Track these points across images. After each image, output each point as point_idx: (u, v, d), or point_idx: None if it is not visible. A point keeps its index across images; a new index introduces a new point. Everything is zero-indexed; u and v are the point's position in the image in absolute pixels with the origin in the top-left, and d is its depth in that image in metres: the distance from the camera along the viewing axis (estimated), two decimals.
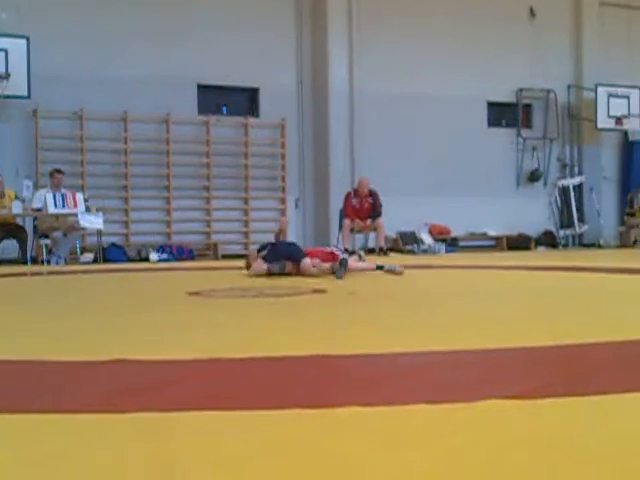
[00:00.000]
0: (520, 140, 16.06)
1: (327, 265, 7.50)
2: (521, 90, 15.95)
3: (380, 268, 7.68)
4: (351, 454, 1.62)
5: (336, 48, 14.18)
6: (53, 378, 2.55)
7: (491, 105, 15.84)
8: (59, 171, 11.70)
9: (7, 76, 11.81)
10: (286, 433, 1.79)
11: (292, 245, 7.93)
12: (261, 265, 7.52)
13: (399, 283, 7.21)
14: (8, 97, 11.96)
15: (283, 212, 13.97)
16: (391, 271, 7.61)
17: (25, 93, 11.99)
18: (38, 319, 4.39)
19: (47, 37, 12.28)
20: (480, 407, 2.01)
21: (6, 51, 11.85)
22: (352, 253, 11.87)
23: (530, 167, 16.19)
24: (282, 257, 7.51)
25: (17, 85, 11.87)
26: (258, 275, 7.44)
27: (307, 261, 7.45)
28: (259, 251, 7.82)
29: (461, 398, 2.10)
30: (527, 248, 15.17)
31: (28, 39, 11.93)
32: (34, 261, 11.25)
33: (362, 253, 8.32)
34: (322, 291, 5.88)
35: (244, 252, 12.48)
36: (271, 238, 8.48)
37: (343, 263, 7.28)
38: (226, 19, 13.57)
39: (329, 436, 1.76)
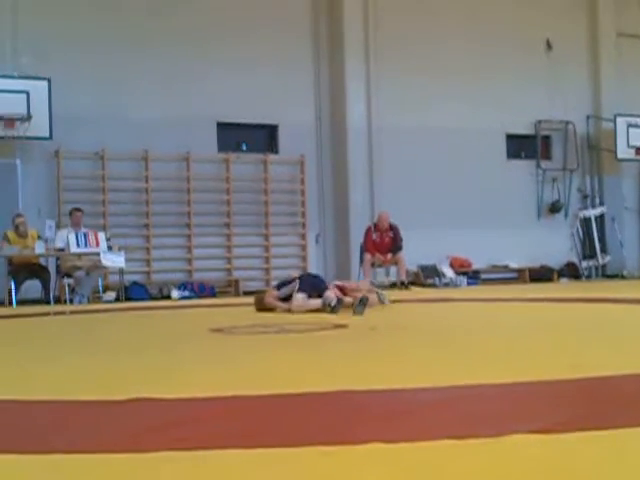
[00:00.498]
0: (540, 171, 16.03)
1: (318, 301, 7.42)
2: (540, 122, 15.95)
3: (361, 301, 7.14)
4: None
5: (354, 83, 14.28)
6: (77, 417, 2.56)
7: (510, 137, 15.84)
8: (78, 209, 11.82)
9: (29, 118, 11.98)
10: (307, 470, 1.79)
11: (317, 277, 8.06)
12: (305, 300, 7.43)
13: (421, 317, 7.19)
14: (30, 138, 12.13)
15: (304, 248, 14.00)
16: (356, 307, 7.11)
17: (47, 134, 12.16)
18: (60, 358, 4.40)
19: (68, 79, 12.47)
20: (504, 442, 1.99)
21: (28, 93, 12.04)
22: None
23: (551, 198, 16.14)
24: (312, 289, 7.57)
25: (39, 126, 12.04)
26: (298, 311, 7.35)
27: (328, 293, 7.47)
28: (278, 288, 7.86)
29: (485, 433, 2.09)
30: (550, 280, 15.07)
31: (49, 80, 12.12)
32: (57, 300, 11.32)
33: (379, 292, 8.14)
34: (343, 326, 5.86)
35: (265, 288, 12.53)
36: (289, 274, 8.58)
37: (364, 301, 7.21)
38: (244, 57, 13.73)
39: (350, 473, 1.75)
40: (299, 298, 7.49)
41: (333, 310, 7.09)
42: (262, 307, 7.81)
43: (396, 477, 1.72)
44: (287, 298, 7.64)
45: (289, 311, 7.44)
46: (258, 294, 8.17)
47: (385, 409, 2.55)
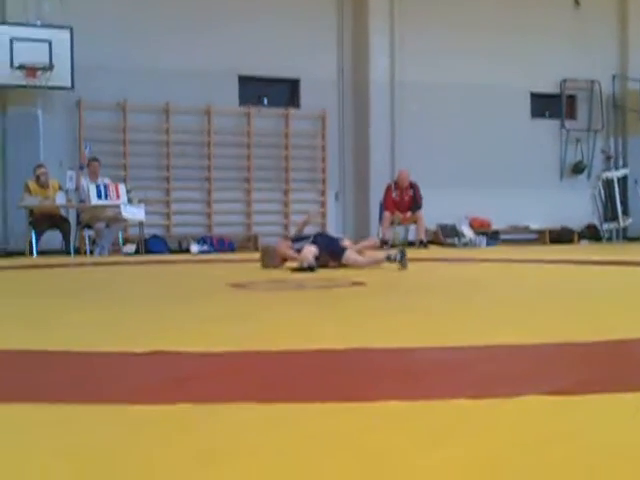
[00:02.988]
0: (564, 132, 15.87)
1: (365, 257, 7.55)
2: (565, 81, 15.75)
3: (389, 259, 7.47)
4: (389, 449, 1.62)
5: (377, 37, 14.13)
6: (97, 369, 2.59)
7: (534, 96, 15.67)
8: (95, 159, 11.84)
9: (51, 67, 11.97)
10: (322, 426, 1.80)
11: (335, 240, 7.92)
12: (310, 249, 7.46)
13: (439, 276, 7.19)
14: (52, 88, 12.12)
15: (323, 204, 13.99)
16: (399, 261, 7.37)
17: (68, 84, 12.15)
18: (80, 310, 4.46)
19: (90, 28, 12.41)
20: (521, 402, 2.00)
21: (50, 42, 12.01)
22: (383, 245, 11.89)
23: (574, 159, 16.00)
24: (325, 250, 7.53)
25: (61, 76, 12.03)
26: (300, 262, 7.38)
27: (350, 253, 7.49)
28: (293, 241, 7.82)
29: (501, 393, 2.10)
30: (570, 242, 15.01)
31: (72, 30, 12.07)
32: (77, 252, 11.42)
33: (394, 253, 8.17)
34: (361, 284, 5.88)
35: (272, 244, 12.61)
36: (309, 230, 8.54)
37: (404, 252, 7.32)
38: (266, 9, 13.60)
39: (366, 431, 1.77)
40: (308, 248, 7.44)
41: (310, 270, 7.13)
42: (269, 263, 7.70)
43: (412, 435, 1.74)
44: (300, 251, 7.61)
45: (295, 269, 7.37)
46: (266, 248, 8.04)
47: (402, 368, 2.56)
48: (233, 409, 1.97)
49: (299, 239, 7.82)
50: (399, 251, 7.36)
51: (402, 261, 7.21)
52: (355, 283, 5.94)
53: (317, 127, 14.07)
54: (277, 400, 2.05)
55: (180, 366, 2.60)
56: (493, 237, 14.48)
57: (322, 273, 7.01)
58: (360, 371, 2.51)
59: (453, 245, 13.66)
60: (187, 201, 13.27)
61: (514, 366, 2.57)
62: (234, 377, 2.43)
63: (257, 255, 8.21)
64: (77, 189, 11.55)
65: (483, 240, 13.95)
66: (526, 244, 14.61)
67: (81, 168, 11.76)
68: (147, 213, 11.72)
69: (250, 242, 13.38)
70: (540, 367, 2.57)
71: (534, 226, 15.16)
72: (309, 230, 8.69)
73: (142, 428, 1.81)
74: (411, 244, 12.77)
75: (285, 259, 7.70)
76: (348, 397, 2.08)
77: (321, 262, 7.46)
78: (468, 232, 14.07)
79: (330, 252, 7.53)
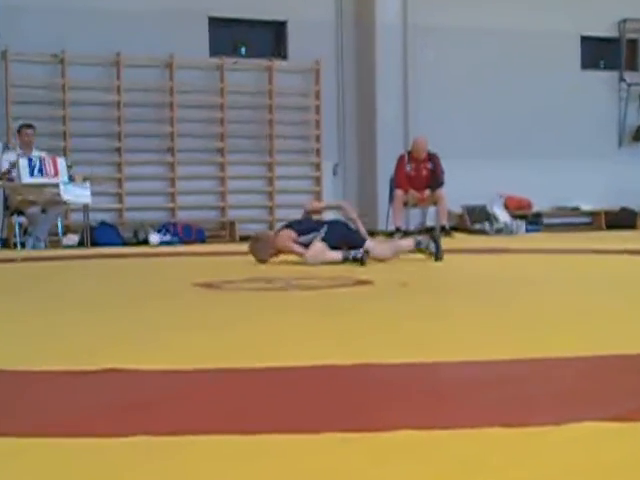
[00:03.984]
0: (623, 86, 15.84)
1: (338, 254, 7.54)
2: (625, 21, 15.72)
3: (419, 245, 7.54)
4: None
5: None
6: (34, 393, 2.60)
7: (586, 41, 15.62)
8: (29, 126, 11.72)
9: None
10: (324, 463, 1.81)
11: (352, 230, 7.93)
12: (325, 251, 7.49)
13: (466, 272, 7.20)
14: None
15: (318, 181, 13.98)
16: (432, 252, 7.46)
17: None
18: (11, 318, 4.45)
19: None
20: (570, 431, 2.01)
21: None
22: (393, 233, 11.88)
23: (636, 121, 15.98)
24: (341, 241, 7.60)
25: None
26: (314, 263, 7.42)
27: (372, 244, 7.55)
28: (290, 228, 7.80)
29: (547, 420, 2.10)
30: (632, 227, 14.99)
31: None
32: (5, 244, 11.39)
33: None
34: (367, 282, 5.88)
35: (265, 232, 12.52)
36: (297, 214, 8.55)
37: (436, 238, 7.41)
38: None
39: (377, 467, 1.78)
40: (318, 246, 7.47)
41: (361, 262, 7.20)
42: (263, 256, 7.71)
43: (433, 472, 1.74)
44: (308, 245, 7.60)
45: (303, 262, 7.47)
46: (257, 237, 8.02)
47: (419, 388, 2.57)
48: (204, 443, 1.98)
49: (307, 230, 7.78)
50: (431, 238, 7.39)
51: (437, 252, 7.29)
52: (360, 282, 5.94)
53: (309, 83, 14.01)
54: (260, 431, 2.06)
55: (137, 388, 2.61)
56: (534, 221, 14.45)
57: (321, 270, 7.00)
58: (366, 392, 2.52)
59: (483, 232, 13.64)
60: (144, 178, 13.20)
61: (561, 385, 2.58)
62: (205, 402, 2.44)
63: (234, 247, 8.19)
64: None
65: (522, 225, 13.93)
66: (576, 230, 14.58)
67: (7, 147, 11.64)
68: (93, 194, 11.65)
69: (225, 230, 13.35)
70: (596, 386, 2.58)
71: (586, 207, 15.13)
72: (318, 216, 8.66)
73: (87, 467, 1.81)
74: (430, 231, 12.75)
75: (279, 252, 7.69)
76: (351, 426, 2.09)
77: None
78: (502, 215, 14.06)
79: (347, 244, 7.59)
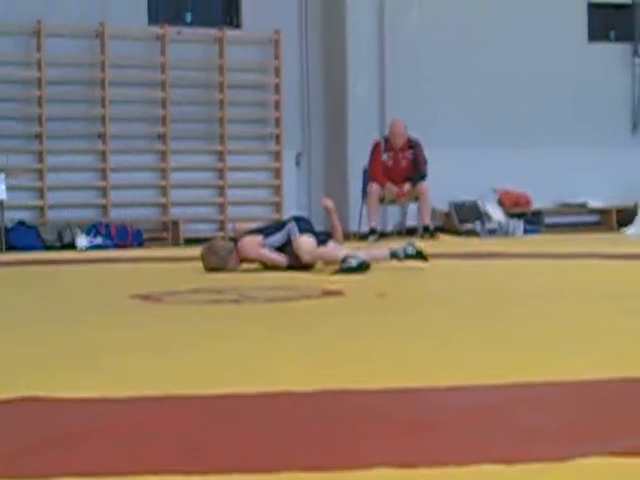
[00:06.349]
0: (637, 61, 15.95)
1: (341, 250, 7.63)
2: None
3: (395, 255, 7.66)
4: None
5: None
6: None
7: (594, 7, 15.72)
8: None
9: None
10: None
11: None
12: (312, 242, 7.64)
13: (453, 281, 7.22)
14: None
15: (277, 173, 13.97)
16: (411, 255, 7.60)
17: None
18: None
19: None
20: (576, 468, 2.03)
21: None
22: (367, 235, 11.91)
23: None
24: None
25: None
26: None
27: (305, 239, 7.59)
28: (263, 234, 7.86)
29: (548, 455, 2.12)
30: None
31: None
32: None
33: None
34: (337, 293, 5.89)
35: (220, 234, 12.47)
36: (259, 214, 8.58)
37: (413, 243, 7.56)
38: None
39: None
40: (307, 241, 7.52)
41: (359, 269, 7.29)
42: (220, 265, 7.69)
43: None
44: (283, 249, 7.65)
45: (293, 267, 7.56)
46: (213, 249, 8.01)
47: (398, 418, 2.58)
48: None
49: (270, 231, 7.83)
50: (408, 243, 7.45)
51: (417, 254, 7.40)
52: (327, 293, 5.95)
53: (267, 57, 13.99)
54: (212, 470, 2.06)
55: (61, 419, 2.60)
56: (534, 221, 14.50)
57: (281, 278, 7.01)
58: (336, 424, 2.53)
59: (474, 233, 13.67)
60: (70, 170, 13.13)
61: (566, 414, 2.60)
62: (142, 436, 2.43)
63: (178, 252, 8.19)
64: None
65: (519, 225, 13.97)
66: (584, 230, 14.65)
67: None
68: (9, 189, 11.60)
69: (167, 232, 13.31)
70: (603, 415, 2.60)
71: (594, 203, 15.19)
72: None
73: None
74: (411, 232, 12.78)
75: (244, 260, 7.75)
76: (317, 464, 2.09)
77: (290, 261, 7.62)
78: (496, 213, 14.11)
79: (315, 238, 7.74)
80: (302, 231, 7.65)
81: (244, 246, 7.70)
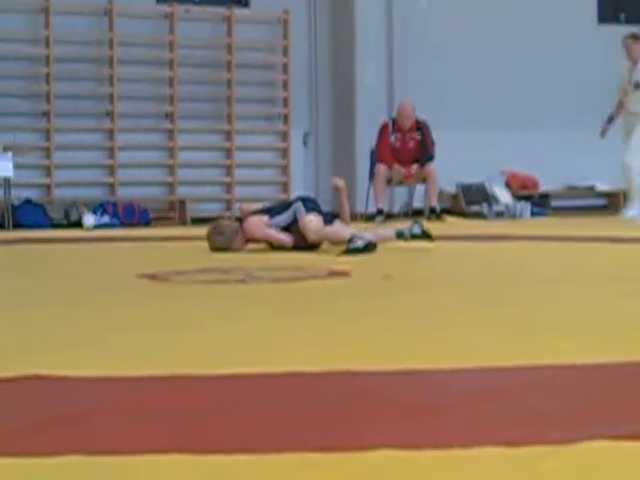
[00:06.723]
0: None
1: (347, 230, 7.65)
2: None
3: (401, 236, 7.70)
4: None
5: None
6: None
7: None
8: None
9: None
10: None
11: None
12: (318, 220, 7.66)
13: (459, 263, 7.22)
14: None
15: (285, 153, 13.96)
16: (417, 235, 7.63)
17: None
18: None
19: None
20: (582, 451, 2.02)
21: None
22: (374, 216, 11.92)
23: None
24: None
25: None
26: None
27: (312, 217, 7.60)
28: (269, 214, 7.86)
29: (554, 438, 2.12)
30: None
31: None
32: None
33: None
34: (343, 274, 5.89)
35: (227, 214, 12.49)
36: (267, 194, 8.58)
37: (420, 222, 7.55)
38: None
39: None
40: (314, 220, 7.54)
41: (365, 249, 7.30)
42: (226, 245, 7.70)
43: None
44: (289, 229, 7.67)
45: (299, 247, 7.57)
46: (219, 229, 8.02)
47: (404, 400, 2.58)
48: (147, 463, 1.97)
49: (276, 210, 7.84)
50: (414, 222, 7.47)
51: (423, 234, 7.40)
52: (334, 273, 5.94)
53: (276, 36, 13.96)
54: (221, 450, 2.05)
55: (65, 398, 2.60)
56: (541, 203, 14.48)
57: (287, 258, 7.01)
58: (341, 405, 2.52)
59: (481, 215, 13.65)
60: (78, 148, 13.12)
61: (573, 397, 2.60)
62: (150, 415, 2.43)
63: (185, 231, 8.19)
64: None
65: (527, 207, 13.95)
66: (591, 213, 14.61)
67: None
68: (16, 167, 11.60)
69: (174, 211, 13.30)
70: (607, 398, 2.59)
71: (602, 187, 15.16)
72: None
73: None
74: (418, 213, 12.76)
75: (249, 240, 7.76)
76: (321, 445, 2.09)
77: (295, 242, 7.63)
78: (503, 196, 14.09)
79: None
80: (309, 210, 7.66)
81: (250, 226, 7.71)
